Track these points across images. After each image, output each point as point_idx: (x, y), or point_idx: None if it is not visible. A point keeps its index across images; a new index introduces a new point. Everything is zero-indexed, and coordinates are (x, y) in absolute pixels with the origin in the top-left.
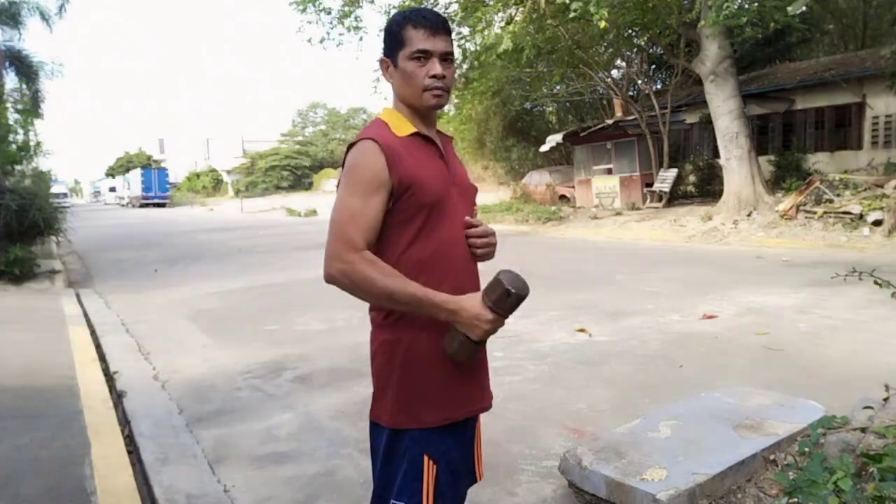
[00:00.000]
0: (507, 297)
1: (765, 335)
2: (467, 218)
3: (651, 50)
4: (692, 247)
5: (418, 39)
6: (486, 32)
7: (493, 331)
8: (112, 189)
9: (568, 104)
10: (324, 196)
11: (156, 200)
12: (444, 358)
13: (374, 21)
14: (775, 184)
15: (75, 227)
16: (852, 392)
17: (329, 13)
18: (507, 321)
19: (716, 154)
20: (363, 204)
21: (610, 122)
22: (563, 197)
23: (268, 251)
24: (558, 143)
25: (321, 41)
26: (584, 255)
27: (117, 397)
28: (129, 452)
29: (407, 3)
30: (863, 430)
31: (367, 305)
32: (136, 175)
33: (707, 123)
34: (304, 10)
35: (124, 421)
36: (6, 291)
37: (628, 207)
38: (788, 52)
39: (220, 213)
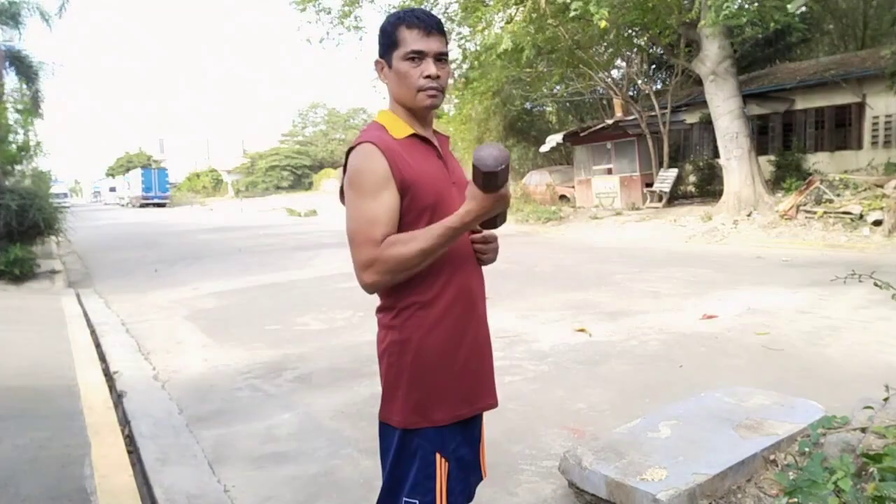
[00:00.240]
0: (483, 174)
1: (765, 335)
2: None
3: (651, 50)
4: (692, 247)
5: (412, 40)
6: (486, 32)
7: (505, 197)
8: (112, 189)
9: (568, 104)
10: (324, 196)
11: (156, 200)
12: (453, 357)
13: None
14: (775, 184)
15: (75, 227)
16: (852, 392)
17: (329, 13)
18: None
19: (716, 154)
20: (376, 204)
21: (610, 122)
22: (563, 197)
23: (268, 251)
24: (558, 143)
25: (321, 41)
26: (584, 255)
27: (117, 397)
28: (129, 452)
29: (407, 3)
30: (863, 430)
31: (366, 305)
32: (136, 175)
33: (707, 123)
34: (303, 10)
35: (124, 421)
36: (6, 291)
37: (628, 207)
38: (788, 52)
39: (220, 213)
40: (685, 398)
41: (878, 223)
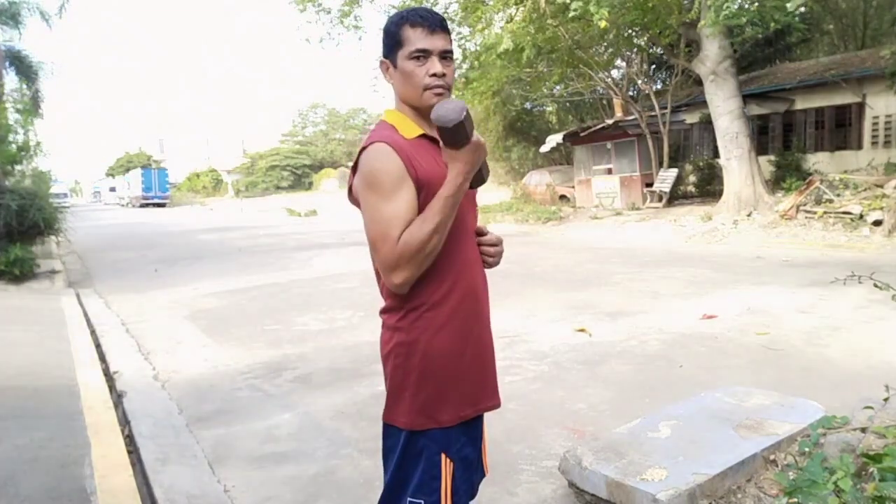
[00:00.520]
0: (449, 132)
1: (765, 335)
2: (479, 226)
3: (651, 50)
4: (692, 247)
5: (416, 38)
6: (486, 32)
7: (480, 144)
8: (112, 189)
9: (568, 104)
10: (324, 196)
11: (156, 200)
12: (459, 358)
13: (374, 21)
14: (775, 184)
15: (75, 227)
16: (852, 392)
17: (329, 13)
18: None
19: (716, 154)
20: (396, 205)
21: (610, 122)
22: (563, 197)
23: (268, 251)
24: (558, 143)
25: (320, 41)
26: (584, 255)
27: (117, 397)
28: (129, 452)
29: (407, 3)
30: (863, 430)
31: (366, 305)
32: (136, 175)
33: (707, 123)
34: (303, 10)
35: (124, 421)
36: (6, 291)
37: (628, 207)
38: (788, 52)
39: (220, 214)
40: (685, 398)
41: (878, 223)
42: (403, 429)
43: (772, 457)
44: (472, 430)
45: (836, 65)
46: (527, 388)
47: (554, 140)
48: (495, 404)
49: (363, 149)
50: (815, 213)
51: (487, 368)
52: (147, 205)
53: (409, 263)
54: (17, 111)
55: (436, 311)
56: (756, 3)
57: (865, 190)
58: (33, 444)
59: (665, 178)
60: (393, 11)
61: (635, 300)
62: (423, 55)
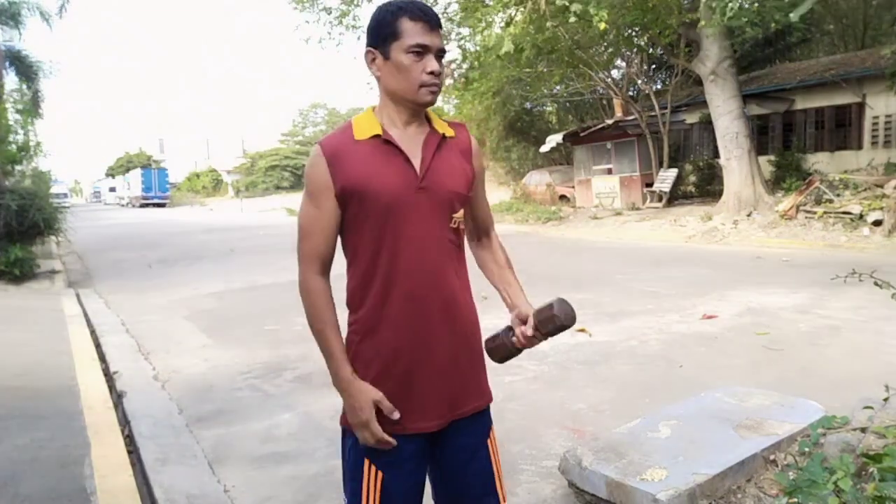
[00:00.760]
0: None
1: (765, 335)
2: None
3: (651, 50)
4: (692, 247)
5: (416, 33)
6: (486, 33)
7: (368, 425)
8: (112, 189)
9: (568, 104)
10: None
11: (156, 200)
12: (379, 370)
13: None
14: (775, 184)
15: (75, 227)
16: (852, 392)
17: (329, 13)
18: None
19: (716, 154)
20: (317, 213)
21: (610, 122)
22: (563, 197)
23: (268, 251)
24: (558, 143)
25: (320, 41)
26: (584, 255)
27: (117, 397)
28: (129, 452)
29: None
30: (863, 430)
31: None
32: (136, 175)
33: (707, 123)
34: (303, 10)
35: (124, 421)
36: (6, 291)
37: (628, 207)
38: (788, 52)
39: (219, 213)
40: (685, 398)
41: (878, 223)
42: (340, 423)
43: (772, 457)
44: (418, 446)
45: (836, 65)
46: (527, 388)
47: (554, 140)
48: (423, 427)
49: None
50: (815, 213)
51: (418, 388)
52: (147, 205)
53: (301, 293)
54: (17, 111)
55: (364, 319)
56: (756, 4)
57: (865, 190)
58: (33, 444)
59: (665, 178)
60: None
61: (635, 300)
62: (421, 51)
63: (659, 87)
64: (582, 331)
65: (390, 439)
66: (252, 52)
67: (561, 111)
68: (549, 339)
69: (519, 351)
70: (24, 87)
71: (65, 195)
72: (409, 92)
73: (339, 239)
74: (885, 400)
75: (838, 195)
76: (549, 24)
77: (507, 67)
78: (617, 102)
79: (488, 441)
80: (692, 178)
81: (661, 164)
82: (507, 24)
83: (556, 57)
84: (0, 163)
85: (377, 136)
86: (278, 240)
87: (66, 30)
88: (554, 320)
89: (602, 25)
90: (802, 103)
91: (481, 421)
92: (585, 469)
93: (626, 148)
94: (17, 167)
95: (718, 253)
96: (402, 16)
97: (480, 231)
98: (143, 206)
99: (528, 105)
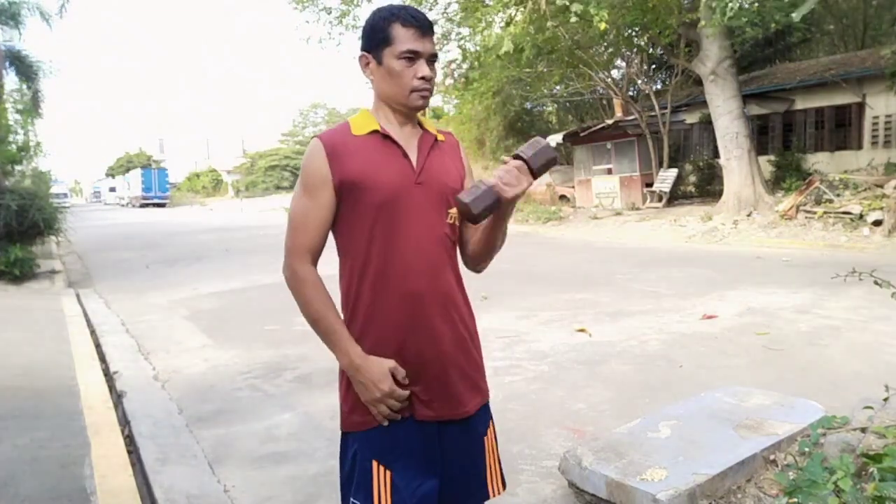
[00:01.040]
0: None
1: (765, 335)
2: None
3: (651, 50)
4: (692, 247)
5: (407, 39)
6: (486, 33)
7: (388, 393)
8: (112, 189)
9: (568, 104)
10: None
11: (156, 200)
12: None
13: None
14: (775, 184)
15: (75, 227)
16: (852, 392)
17: (329, 13)
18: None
19: (716, 154)
20: (312, 206)
21: (610, 122)
22: (563, 197)
23: (268, 251)
24: (558, 143)
25: (320, 41)
26: (584, 255)
27: (117, 397)
28: (129, 452)
29: (407, 2)
30: (863, 430)
31: None
32: (136, 175)
33: (707, 123)
34: (303, 10)
35: (124, 421)
36: (6, 291)
37: (628, 207)
38: (788, 52)
39: (219, 214)
40: (685, 398)
41: (878, 223)
42: (341, 429)
43: (772, 457)
44: (416, 432)
45: (836, 65)
46: (527, 388)
47: (554, 140)
48: (425, 415)
49: None
50: (815, 213)
51: (420, 385)
52: (147, 205)
53: (289, 285)
54: (17, 111)
55: (364, 316)
56: (756, 4)
57: (865, 190)
58: (33, 444)
59: (665, 178)
60: (381, 6)
61: (635, 300)
62: (413, 57)
63: (659, 87)
64: (582, 331)
65: (405, 392)
66: (252, 52)
67: (561, 111)
68: (526, 165)
69: (498, 199)
70: (24, 87)
71: (65, 195)
72: (401, 96)
73: (332, 237)
74: (885, 400)
75: (838, 195)
76: (549, 24)
77: (507, 67)
78: (617, 102)
79: (485, 439)
80: (692, 178)
81: (661, 164)
82: (507, 24)
83: (556, 57)
84: (0, 163)
85: (375, 131)
86: (278, 240)
87: (66, 30)
88: (533, 145)
89: (602, 25)
90: (802, 103)
91: (482, 417)
92: (585, 469)
93: (626, 148)
94: (17, 167)
95: (718, 253)
96: (394, 22)
97: (468, 234)
98: (143, 206)
99: (528, 105)
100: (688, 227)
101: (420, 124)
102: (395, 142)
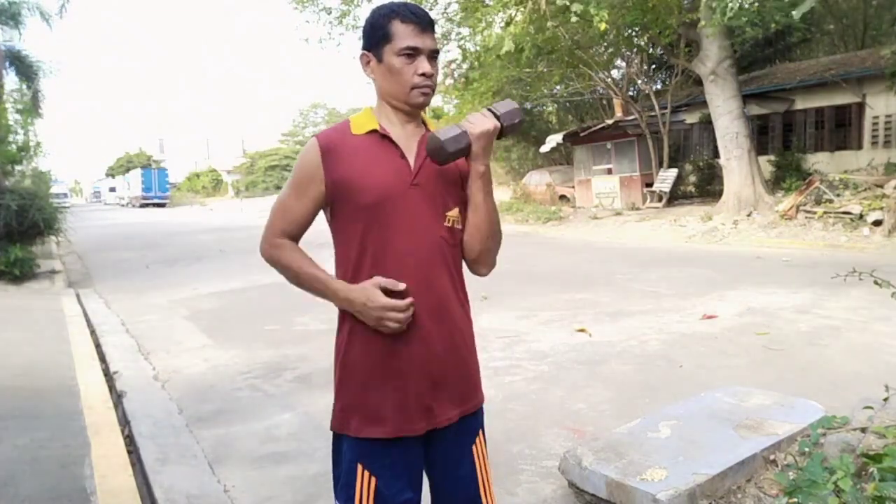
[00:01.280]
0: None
1: (765, 335)
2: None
3: (651, 50)
4: (692, 247)
5: (407, 36)
6: (486, 33)
7: (386, 316)
8: (112, 189)
9: (568, 104)
10: None
11: (156, 200)
12: (369, 371)
13: None
14: (775, 184)
15: (75, 227)
16: (852, 392)
17: (329, 13)
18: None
19: (716, 154)
20: (295, 200)
21: (610, 122)
22: (563, 197)
23: None
24: (558, 143)
25: (320, 41)
26: (584, 255)
27: (117, 397)
28: (129, 452)
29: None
30: (863, 430)
31: None
32: (136, 175)
33: (707, 123)
34: (303, 10)
35: (124, 421)
36: (6, 291)
37: (628, 207)
38: (788, 52)
39: (219, 214)
40: (685, 398)
41: (878, 223)
42: (331, 428)
43: (772, 457)
44: (410, 450)
45: (836, 65)
46: (527, 388)
47: (554, 140)
48: (415, 429)
49: None
50: (815, 213)
51: (410, 391)
52: (147, 205)
53: (269, 258)
54: (17, 111)
55: (354, 318)
56: (756, 4)
57: (865, 190)
58: (33, 444)
59: (665, 178)
60: (381, 4)
61: (635, 300)
62: (413, 53)
63: (659, 87)
64: (582, 331)
65: (404, 301)
66: (252, 52)
67: (561, 111)
68: (495, 119)
69: (469, 143)
70: (24, 87)
71: (65, 195)
72: (402, 93)
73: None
74: (885, 400)
75: (838, 195)
76: (549, 24)
77: (507, 67)
78: (617, 102)
79: (473, 447)
80: (692, 178)
81: (661, 164)
82: (508, 24)
83: (556, 57)
84: (0, 163)
85: (374, 130)
86: None
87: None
88: (506, 104)
89: (602, 26)
90: (802, 103)
91: (470, 425)
92: (585, 469)
93: (626, 148)
94: (17, 167)
95: (718, 253)
96: (393, 19)
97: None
98: (143, 206)
99: (528, 105)
100: (688, 227)
101: (424, 123)
102: (392, 142)
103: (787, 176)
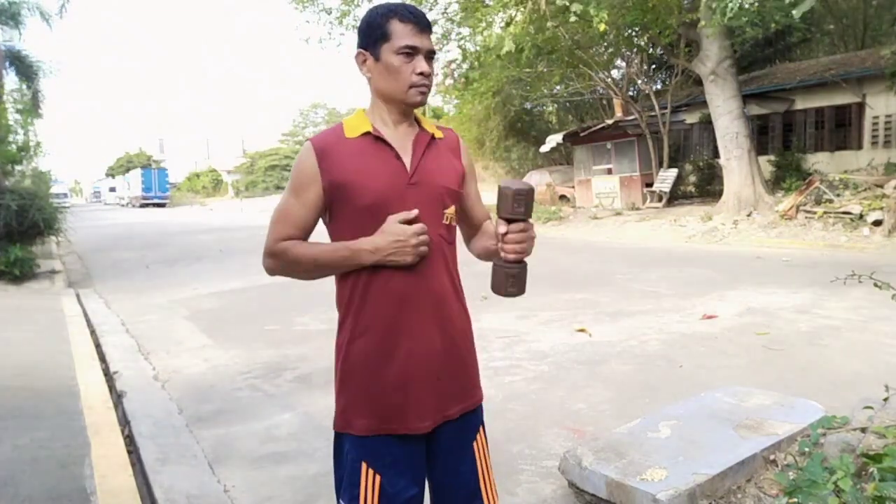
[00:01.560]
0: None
1: (765, 335)
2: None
3: (651, 50)
4: (692, 247)
5: (406, 35)
6: (486, 33)
7: (424, 242)
8: (112, 189)
9: (568, 104)
10: None
11: (156, 200)
12: (372, 370)
13: None
14: (775, 184)
15: (75, 227)
16: (852, 392)
17: (329, 13)
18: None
19: (716, 154)
20: (295, 203)
21: (610, 122)
22: (563, 197)
23: None
24: (558, 143)
25: (320, 41)
26: (584, 255)
27: (117, 397)
28: (129, 452)
29: (408, 2)
30: (863, 430)
31: None
32: (136, 175)
33: (707, 123)
34: (303, 10)
35: (124, 421)
36: (6, 291)
37: (628, 207)
38: (788, 52)
39: (220, 214)
40: (685, 398)
41: (878, 223)
42: (333, 428)
43: (772, 457)
44: (412, 447)
45: (836, 65)
46: (527, 388)
47: (554, 140)
48: (419, 427)
49: None
50: (815, 213)
51: (412, 388)
52: (147, 205)
53: (276, 265)
54: (17, 111)
55: (355, 317)
56: (756, 4)
57: (865, 190)
58: (33, 444)
59: (665, 178)
60: (379, 3)
61: (635, 300)
62: (411, 52)
63: (659, 87)
64: (582, 331)
65: (420, 226)
66: (252, 52)
67: (561, 111)
68: (520, 220)
69: (512, 266)
70: (24, 87)
71: (65, 195)
72: (399, 92)
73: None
74: (885, 400)
75: (838, 195)
76: (549, 24)
77: (507, 67)
78: (617, 102)
79: (474, 444)
80: (692, 178)
81: (661, 164)
82: (508, 24)
83: (556, 57)
84: (0, 163)
85: (368, 133)
86: None
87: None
88: (504, 194)
89: (602, 26)
90: (802, 103)
91: (470, 422)
92: (585, 469)
93: (626, 148)
94: (17, 167)
95: (718, 253)
96: (392, 18)
97: (475, 229)
98: (143, 206)
99: (528, 105)
100: (688, 227)
101: (418, 122)
102: (387, 143)
103: (787, 176)
